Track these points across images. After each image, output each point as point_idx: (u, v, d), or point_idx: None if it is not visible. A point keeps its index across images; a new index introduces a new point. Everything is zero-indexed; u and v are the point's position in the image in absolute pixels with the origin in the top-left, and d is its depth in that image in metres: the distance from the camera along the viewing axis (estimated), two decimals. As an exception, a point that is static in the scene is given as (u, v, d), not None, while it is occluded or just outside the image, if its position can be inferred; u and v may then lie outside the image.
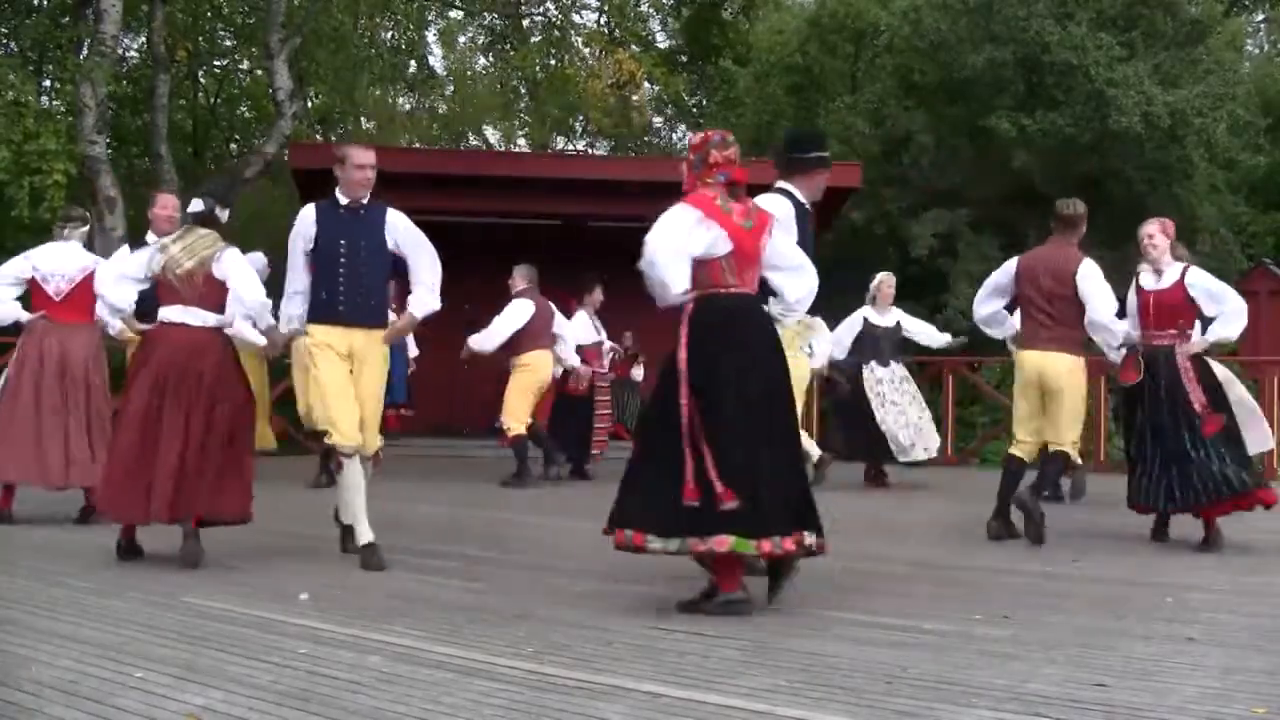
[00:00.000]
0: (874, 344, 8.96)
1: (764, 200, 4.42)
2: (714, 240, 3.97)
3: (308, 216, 5.07)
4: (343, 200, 5.06)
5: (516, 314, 8.70)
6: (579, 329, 9.26)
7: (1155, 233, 5.79)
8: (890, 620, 3.87)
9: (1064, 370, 5.76)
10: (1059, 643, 3.54)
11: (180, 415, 4.78)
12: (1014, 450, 5.97)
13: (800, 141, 4.99)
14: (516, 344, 8.72)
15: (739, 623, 3.77)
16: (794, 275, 4.26)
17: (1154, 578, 4.81)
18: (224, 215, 5.24)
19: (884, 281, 9.17)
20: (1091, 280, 5.70)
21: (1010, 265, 6.07)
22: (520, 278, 8.86)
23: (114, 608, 3.88)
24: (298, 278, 5.05)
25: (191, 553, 4.72)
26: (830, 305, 13.33)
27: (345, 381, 4.93)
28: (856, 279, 9.66)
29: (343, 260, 4.98)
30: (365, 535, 4.89)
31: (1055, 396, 5.77)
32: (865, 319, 9.04)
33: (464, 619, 3.81)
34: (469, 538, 6.05)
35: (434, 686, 2.96)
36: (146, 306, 5.32)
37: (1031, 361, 5.82)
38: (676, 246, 3.93)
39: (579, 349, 9.18)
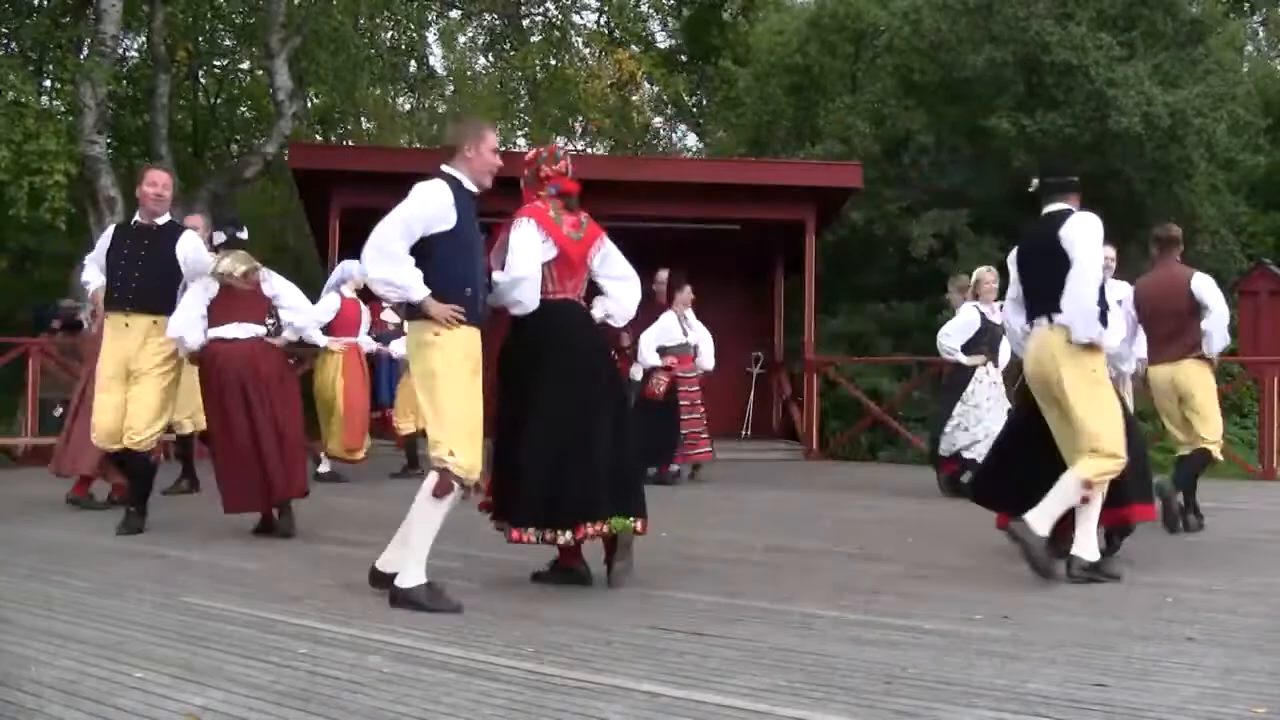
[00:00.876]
0: (994, 342, 7.87)
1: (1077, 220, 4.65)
2: (546, 250, 4.32)
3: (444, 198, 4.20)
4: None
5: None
6: (666, 331, 8.84)
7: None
8: (890, 620, 3.87)
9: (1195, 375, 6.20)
10: (1059, 643, 3.54)
11: (260, 413, 5.62)
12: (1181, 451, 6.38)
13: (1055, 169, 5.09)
14: None
15: (739, 623, 3.77)
16: (622, 284, 4.59)
17: (1154, 578, 4.81)
18: (244, 234, 5.92)
19: (985, 277, 8.05)
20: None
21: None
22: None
23: (114, 608, 3.88)
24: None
25: (289, 524, 5.69)
26: (832, 307, 13.29)
27: None
28: (856, 279, 9.65)
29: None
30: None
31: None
32: (983, 314, 7.96)
33: (464, 619, 3.81)
34: (469, 538, 6.04)
35: (434, 686, 2.96)
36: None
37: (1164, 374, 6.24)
38: (534, 263, 4.28)
39: (663, 351, 8.79)
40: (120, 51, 15.14)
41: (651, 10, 25.00)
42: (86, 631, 3.51)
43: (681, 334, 8.90)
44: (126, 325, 5.74)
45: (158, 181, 6.00)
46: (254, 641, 3.41)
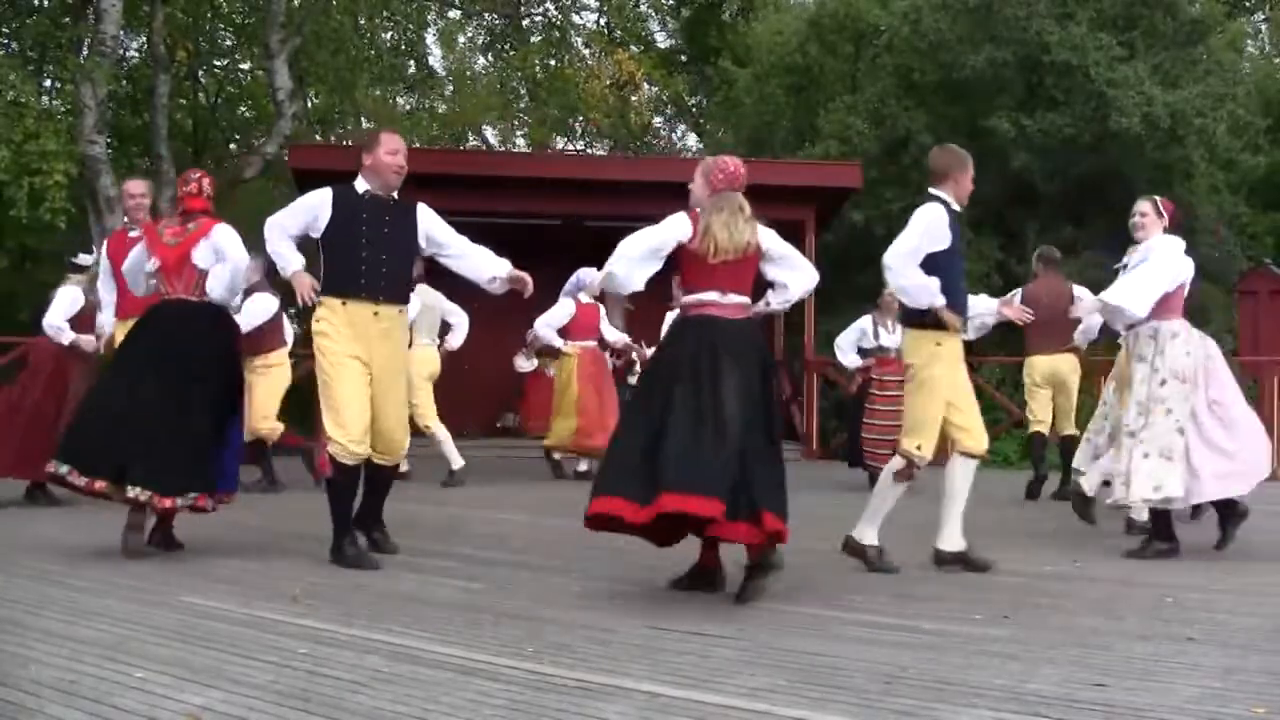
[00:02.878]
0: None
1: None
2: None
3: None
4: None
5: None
6: (863, 333, 8.97)
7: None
8: (890, 620, 3.87)
9: None
10: (1059, 643, 3.54)
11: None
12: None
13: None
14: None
15: (739, 623, 3.77)
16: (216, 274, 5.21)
17: (1154, 578, 4.81)
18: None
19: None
20: None
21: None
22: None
23: (113, 607, 3.87)
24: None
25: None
26: (832, 307, 13.31)
27: None
28: (856, 279, 9.64)
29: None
30: None
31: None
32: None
33: (464, 619, 3.81)
34: (469, 538, 6.05)
35: (434, 686, 2.96)
36: None
37: None
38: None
39: (863, 353, 8.96)
40: (120, 51, 15.14)
41: (651, 10, 25.01)
42: (86, 631, 3.51)
43: (874, 337, 8.97)
44: (375, 315, 4.92)
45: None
46: (254, 641, 3.41)
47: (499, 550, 5.49)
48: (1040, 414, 8.25)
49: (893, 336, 8.64)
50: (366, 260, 4.85)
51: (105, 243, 6.96)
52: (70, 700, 2.77)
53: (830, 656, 3.33)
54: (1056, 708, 2.82)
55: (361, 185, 5.01)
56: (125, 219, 6.50)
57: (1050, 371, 8.12)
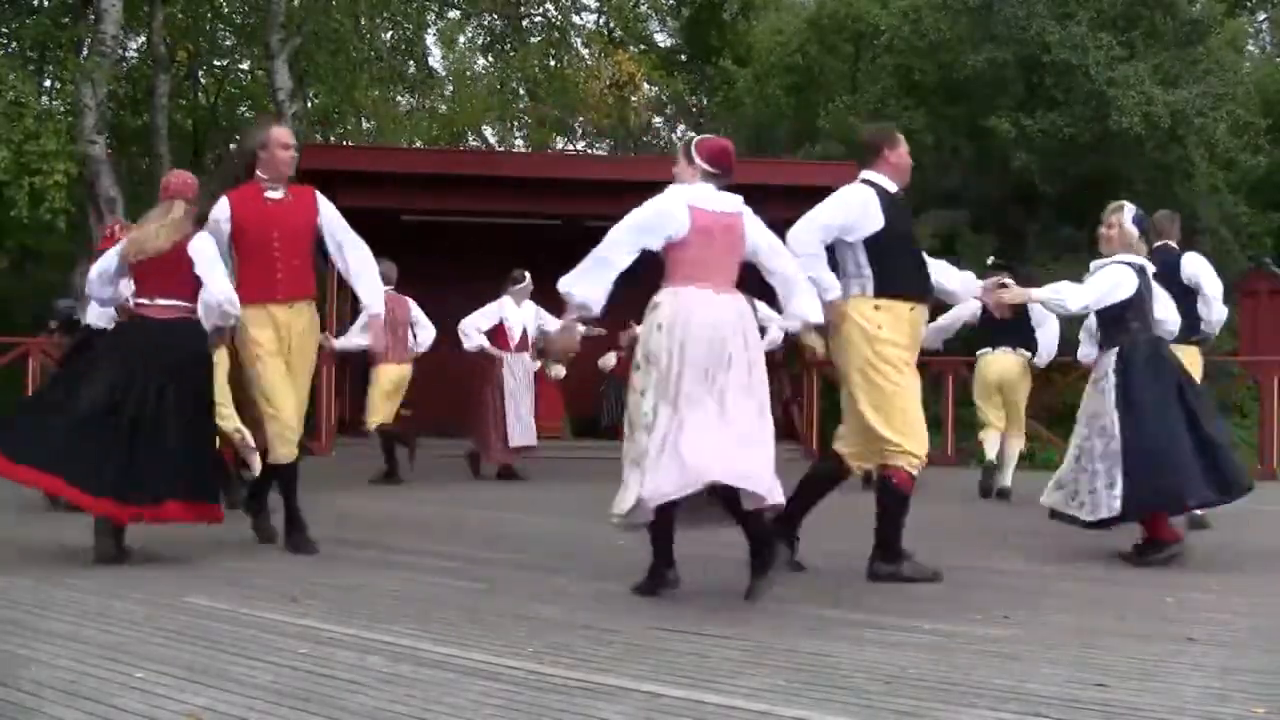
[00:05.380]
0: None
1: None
2: None
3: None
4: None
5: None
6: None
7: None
8: (890, 620, 3.87)
9: None
10: (1059, 643, 3.53)
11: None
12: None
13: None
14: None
15: (739, 623, 3.77)
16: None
17: (1154, 578, 4.81)
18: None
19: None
20: None
21: None
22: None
23: (114, 608, 3.87)
24: None
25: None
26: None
27: None
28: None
29: None
30: None
31: None
32: None
33: (464, 619, 3.81)
34: (469, 538, 6.05)
35: (434, 686, 2.96)
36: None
37: None
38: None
39: None
40: (120, 51, 15.14)
41: (651, 10, 25.00)
42: (87, 631, 3.51)
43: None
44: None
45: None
46: (254, 641, 3.41)
47: (499, 550, 5.49)
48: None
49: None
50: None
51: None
52: (71, 700, 2.77)
53: (830, 656, 3.33)
54: (1056, 708, 2.82)
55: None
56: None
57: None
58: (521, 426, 9.21)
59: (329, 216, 5.26)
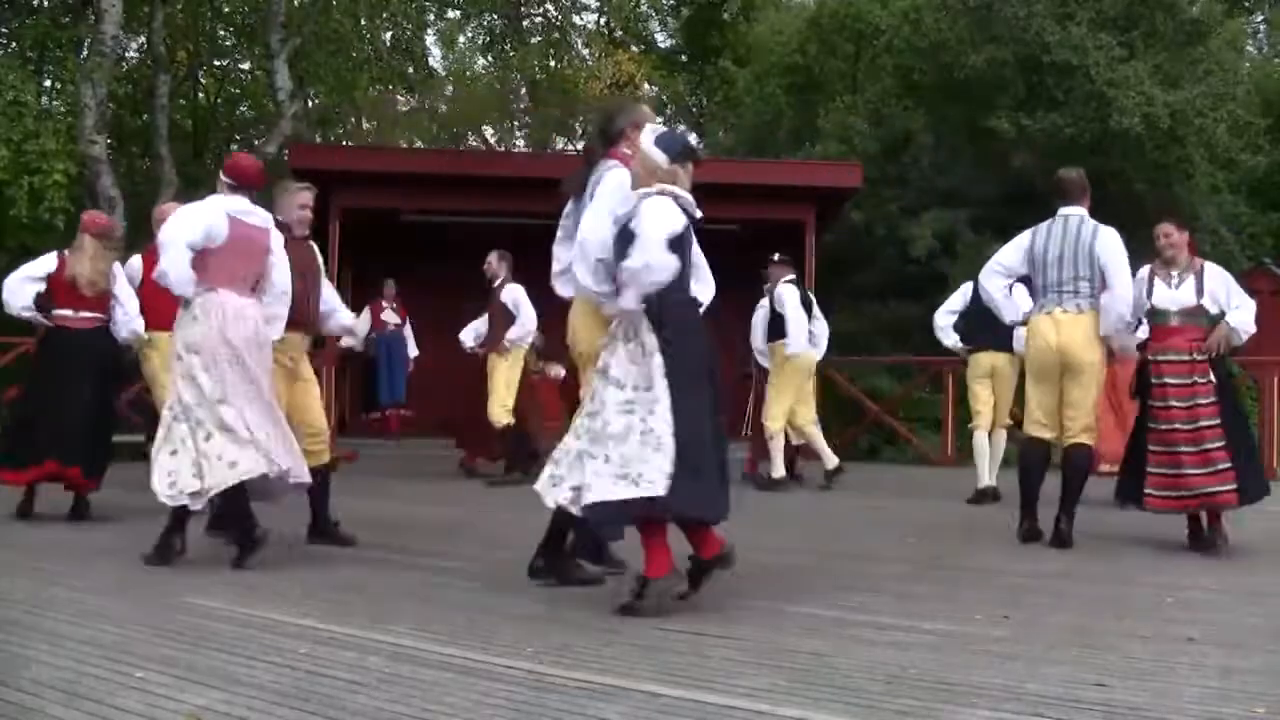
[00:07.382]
0: None
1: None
2: None
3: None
4: None
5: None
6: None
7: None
8: (890, 620, 3.87)
9: None
10: (1059, 643, 3.54)
11: None
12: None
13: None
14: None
15: (739, 623, 3.77)
16: None
17: (1154, 578, 4.81)
18: None
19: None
20: None
21: None
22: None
23: (114, 608, 3.87)
24: None
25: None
26: (831, 307, 13.26)
27: None
28: (855, 279, 9.65)
29: None
30: None
31: None
32: None
33: (464, 619, 3.81)
34: (469, 538, 6.05)
35: (434, 686, 2.96)
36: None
37: None
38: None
39: None
40: (120, 51, 15.14)
41: (651, 10, 25.01)
42: (87, 632, 3.51)
43: (1147, 295, 8.34)
44: None
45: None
46: (254, 641, 3.41)
47: (499, 550, 5.48)
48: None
49: (1176, 293, 5.84)
50: None
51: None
52: (71, 700, 2.77)
53: (830, 656, 3.33)
54: (1056, 708, 2.82)
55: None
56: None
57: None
58: None
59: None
